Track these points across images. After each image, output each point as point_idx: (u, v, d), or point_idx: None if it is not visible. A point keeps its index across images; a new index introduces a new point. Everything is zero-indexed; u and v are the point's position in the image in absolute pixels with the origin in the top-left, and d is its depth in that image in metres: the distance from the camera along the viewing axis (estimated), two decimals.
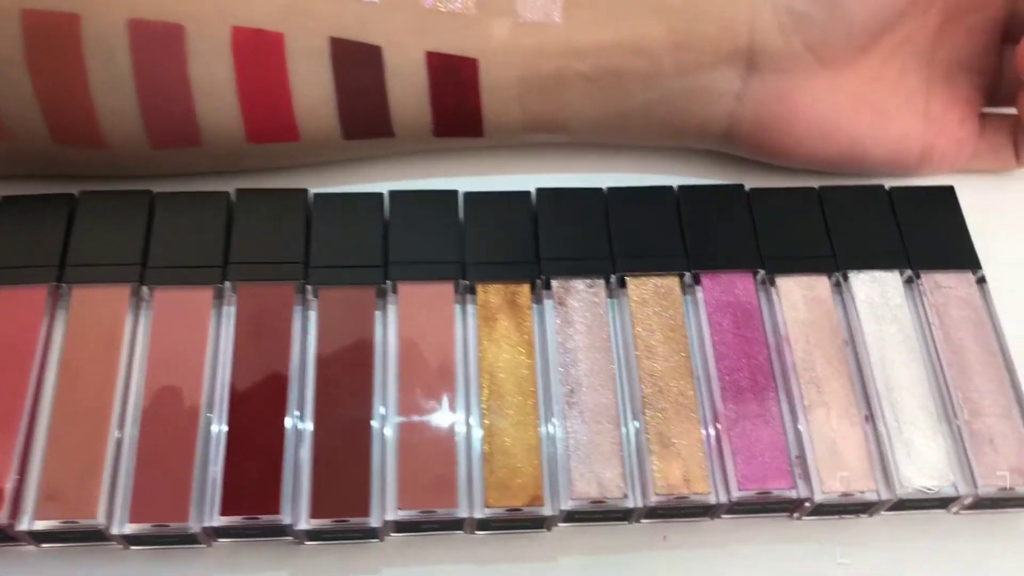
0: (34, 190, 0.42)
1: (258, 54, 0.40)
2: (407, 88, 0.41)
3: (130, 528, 0.35)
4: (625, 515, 0.38)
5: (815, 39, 0.41)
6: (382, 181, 0.45)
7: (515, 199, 0.43)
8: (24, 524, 0.35)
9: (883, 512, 0.39)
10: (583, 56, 0.41)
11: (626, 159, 0.47)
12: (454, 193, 0.42)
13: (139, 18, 0.38)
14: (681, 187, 0.44)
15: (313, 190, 0.42)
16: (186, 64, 0.39)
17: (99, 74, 0.39)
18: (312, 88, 0.40)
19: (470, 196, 0.42)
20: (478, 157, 0.46)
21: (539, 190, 0.43)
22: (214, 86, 0.40)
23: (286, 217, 0.41)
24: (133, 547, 0.36)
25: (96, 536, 0.35)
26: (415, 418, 0.38)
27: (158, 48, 0.39)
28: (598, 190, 0.43)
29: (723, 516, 0.39)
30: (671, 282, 0.41)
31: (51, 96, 0.39)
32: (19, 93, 0.39)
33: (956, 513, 0.40)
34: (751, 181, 0.44)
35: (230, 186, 0.42)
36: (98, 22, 0.38)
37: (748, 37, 0.41)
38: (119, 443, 0.36)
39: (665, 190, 0.43)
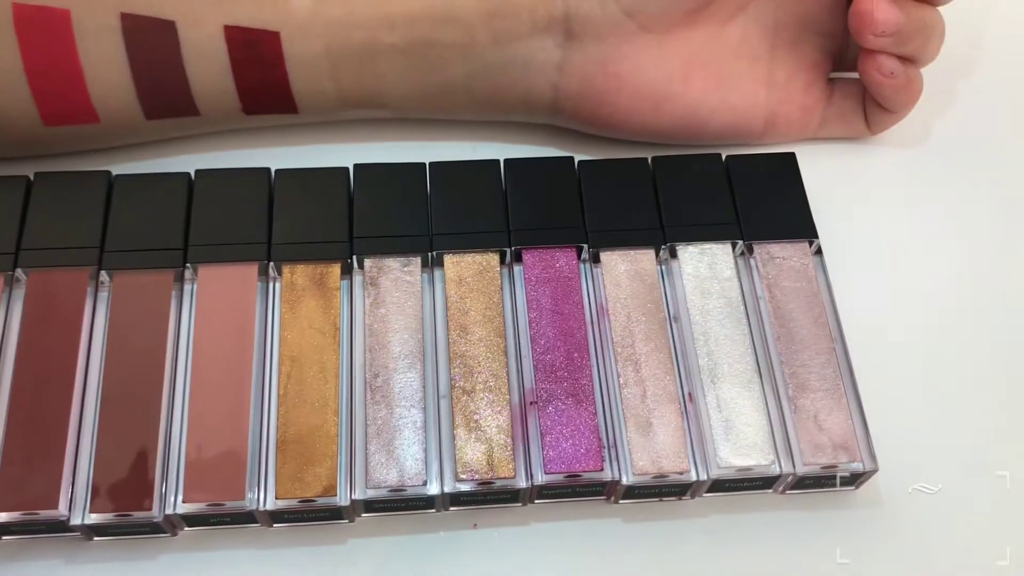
0: None
1: (43, 33, 0.38)
2: (206, 64, 0.39)
3: None
4: (429, 503, 0.36)
5: (633, 4, 0.40)
6: (194, 155, 0.43)
7: (330, 176, 0.41)
8: None
9: (705, 494, 0.38)
10: (392, 26, 0.40)
11: (458, 132, 0.45)
12: (265, 171, 0.41)
13: None
14: (507, 161, 0.42)
15: (117, 171, 0.40)
16: None
17: None
18: (106, 67, 0.39)
19: (281, 173, 0.41)
20: (298, 131, 0.44)
21: (357, 166, 0.41)
22: (1, 70, 0.38)
23: (85, 200, 0.39)
24: None
25: None
26: (207, 407, 0.36)
27: None
28: (420, 165, 0.42)
29: (536, 501, 0.37)
30: (490, 259, 0.40)
31: None
32: None
33: (781, 493, 0.38)
34: (588, 154, 0.43)
35: (34, 170, 0.40)
36: None
37: (564, 4, 0.40)
38: None
39: (490, 164, 0.42)
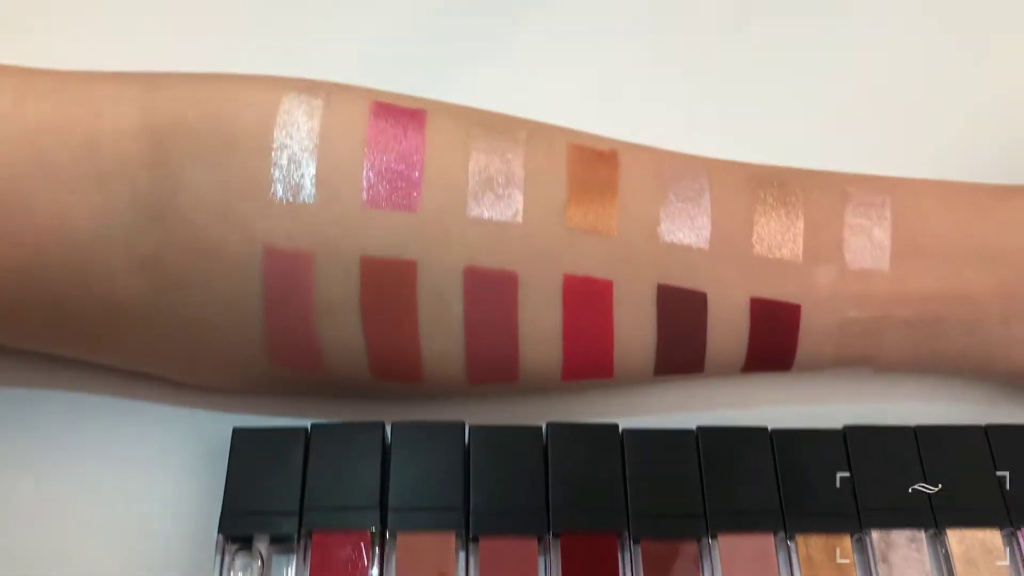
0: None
1: (587, 301, 0.39)
2: (728, 331, 0.40)
3: None
4: None
5: None
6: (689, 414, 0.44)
7: (825, 439, 0.42)
8: None
9: None
10: (907, 303, 0.41)
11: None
12: (763, 430, 0.42)
13: (475, 265, 0.38)
14: (989, 426, 0.42)
15: (624, 426, 0.41)
16: (516, 309, 0.39)
17: (431, 318, 0.38)
18: (634, 331, 0.40)
19: (776, 434, 0.42)
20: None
21: (848, 428, 0.42)
22: (541, 331, 0.39)
23: (602, 459, 0.40)
24: None
25: None
26: None
27: (491, 294, 0.38)
28: (907, 429, 0.42)
29: None
30: (995, 538, 0.40)
31: (379, 337, 0.39)
32: (347, 333, 0.39)
33: None
34: None
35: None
36: (435, 269, 0.38)
37: None
38: None
39: (975, 430, 0.42)
